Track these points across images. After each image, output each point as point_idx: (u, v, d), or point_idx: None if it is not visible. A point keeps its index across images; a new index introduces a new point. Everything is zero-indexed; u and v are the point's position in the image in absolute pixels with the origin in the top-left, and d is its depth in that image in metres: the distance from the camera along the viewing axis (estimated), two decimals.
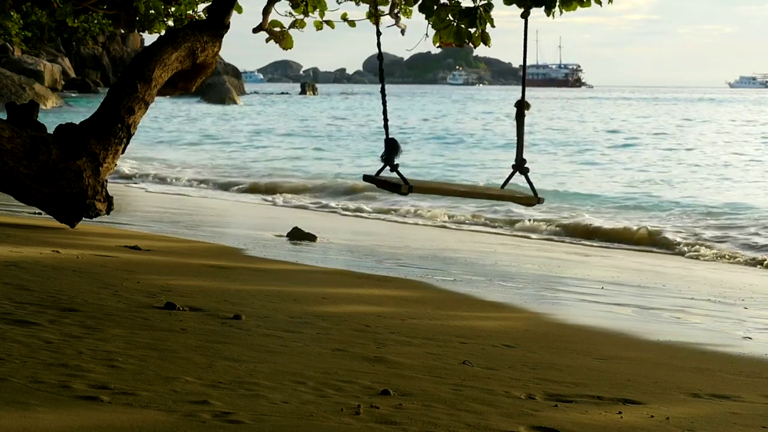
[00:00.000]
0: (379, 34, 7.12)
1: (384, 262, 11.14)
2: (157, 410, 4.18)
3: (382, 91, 6.91)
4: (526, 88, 7.24)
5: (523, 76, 7.22)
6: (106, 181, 11.28)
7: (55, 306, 6.41)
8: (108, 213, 11.33)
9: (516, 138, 7.24)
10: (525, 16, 7.33)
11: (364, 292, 8.65)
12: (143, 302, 6.92)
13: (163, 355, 5.28)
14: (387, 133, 6.79)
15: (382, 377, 5.18)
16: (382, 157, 6.79)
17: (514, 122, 7.29)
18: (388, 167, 6.78)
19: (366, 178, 6.97)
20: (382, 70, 6.90)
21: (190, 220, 15.41)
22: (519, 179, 7.29)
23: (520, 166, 7.15)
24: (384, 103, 6.89)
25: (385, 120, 6.87)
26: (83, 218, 11.13)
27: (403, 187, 6.67)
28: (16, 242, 9.46)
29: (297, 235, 12.82)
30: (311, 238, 12.74)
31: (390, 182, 6.77)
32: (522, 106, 7.18)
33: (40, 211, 11.64)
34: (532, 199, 7.20)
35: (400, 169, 6.73)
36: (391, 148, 6.74)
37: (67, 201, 10.89)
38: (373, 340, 6.29)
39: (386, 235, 14.83)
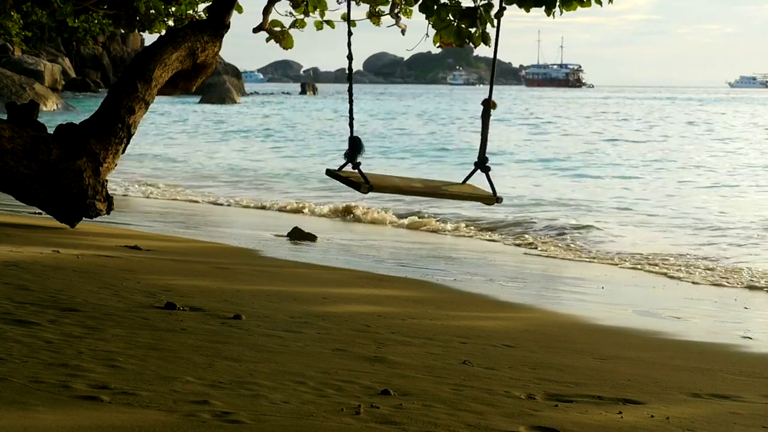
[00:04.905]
0: (350, 34, 7.18)
1: (384, 262, 11.14)
2: (157, 410, 4.18)
3: (350, 91, 7.06)
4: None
5: (492, 76, 7.27)
6: (107, 181, 11.28)
7: (55, 306, 6.41)
8: (108, 213, 11.33)
9: (480, 136, 7.26)
10: (498, 16, 7.32)
11: (364, 292, 8.65)
12: (143, 302, 6.92)
13: (163, 355, 5.28)
14: (351, 132, 6.91)
15: (382, 377, 5.17)
16: (345, 154, 6.89)
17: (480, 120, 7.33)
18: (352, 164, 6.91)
19: (329, 172, 7.09)
20: (351, 69, 7.04)
21: (190, 220, 15.42)
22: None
23: (482, 164, 7.16)
24: (350, 103, 7.02)
25: (351, 119, 6.99)
26: (83, 218, 11.14)
27: (363, 186, 6.77)
28: (16, 242, 9.45)
29: (297, 235, 12.82)
30: (311, 238, 12.74)
31: (351, 180, 6.87)
32: (488, 105, 7.18)
33: (40, 211, 11.64)
34: (491, 198, 7.22)
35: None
36: (355, 146, 6.85)
37: (68, 201, 10.89)
38: (373, 340, 6.29)
39: (386, 235, 14.82)
